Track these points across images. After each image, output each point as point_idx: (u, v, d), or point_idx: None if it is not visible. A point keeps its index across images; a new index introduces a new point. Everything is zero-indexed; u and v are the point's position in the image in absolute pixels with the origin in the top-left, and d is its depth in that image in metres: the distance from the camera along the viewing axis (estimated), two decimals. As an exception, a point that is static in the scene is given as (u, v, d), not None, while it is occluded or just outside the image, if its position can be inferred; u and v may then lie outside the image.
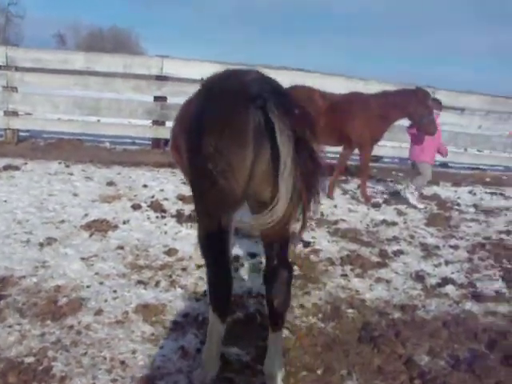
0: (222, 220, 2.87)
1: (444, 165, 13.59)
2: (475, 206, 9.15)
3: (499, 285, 5.55)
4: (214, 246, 2.98)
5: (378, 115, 7.98)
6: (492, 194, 10.47)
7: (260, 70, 2.97)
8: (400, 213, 7.94)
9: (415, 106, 7.84)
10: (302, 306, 4.46)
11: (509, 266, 6.16)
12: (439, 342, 4.13)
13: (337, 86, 11.26)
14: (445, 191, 10.14)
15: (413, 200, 8.43)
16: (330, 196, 8.25)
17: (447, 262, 5.98)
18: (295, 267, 5.21)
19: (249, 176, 2.65)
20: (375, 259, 5.79)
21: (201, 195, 2.96)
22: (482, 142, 13.39)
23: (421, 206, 8.48)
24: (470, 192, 10.41)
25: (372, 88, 11.37)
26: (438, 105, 8.53)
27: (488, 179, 12.65)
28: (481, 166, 14.04)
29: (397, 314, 4.51)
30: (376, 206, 8.13)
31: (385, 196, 9.04)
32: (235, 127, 2.63)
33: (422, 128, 7.98)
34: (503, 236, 7.45)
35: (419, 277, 5.43)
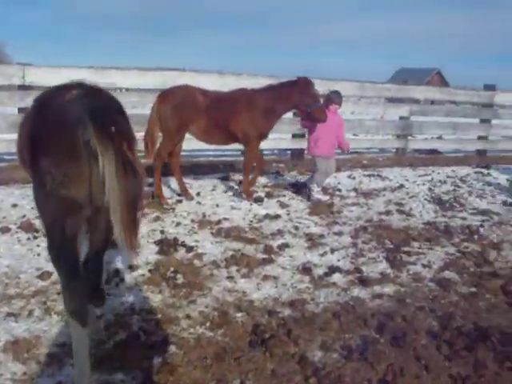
0: (68, 228, 2.96)
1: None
2: (355, 189, 9.35)
3: (383, 266, 5.64)
4: (62, 253, 3.05)
5: (264, 110, 7.73)
6: (370, 176, 10.77)
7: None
8: (283, 205, 7.91)
9: (299, 96, 7.69)
10: (188, 317, 4.24)
11: (391, 246, 6.30)
12: (331, 334, 4.09)
13: (211, 84, 11.13)
14: (325, 178, 10.28)
15: (317, 195, 8.29)
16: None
17: (333, 250, 6.01)
18: (179, 275, 5.00)
19: (88, 185, 2.87)
20: (261, 256, 5.68)
21: (44, 204, 3.06)
22: (357, 127, 13.72)
23: (325, 198, 8.38)
24: (349, 176, 10.63)
25: (244, 82, 11.26)
26: (338, 97, 8.43)
27: (365, 162, 13.07)
28: (358, 150, 14.43)
29: (287, 312, 4.42)
30: (258, 200, 8.04)
31: (267, 189, 8.96)
32: (66, 145, 2.80)
33: (312, 117, 7.87)
34: (383, 217, 7.64)
35: (306, 269, 5.39)
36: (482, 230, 7.26)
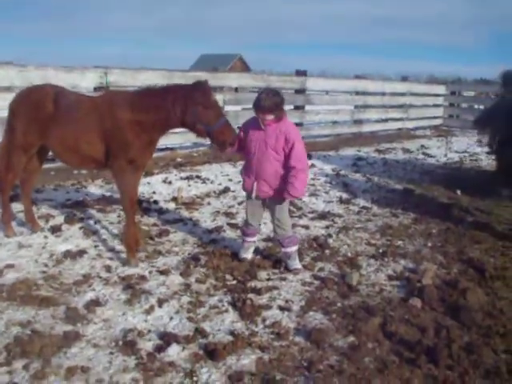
0: None
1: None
2: (175, 199, 7.83)
3: (231, 318, 4.28)
4: None
5: (131, 125, 5.12)
6: (189, 178, 9.30)
7: None
8: (88, 232, 6.10)
9: (192, 109, 4.92)
10: None
11: (233, 283, 4.95)
12: None
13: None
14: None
15: (293, 264, 5.35)
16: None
17: (161, 301, 4.45)
18: None
19: None
20: (61, 329, 3.91)
21: None
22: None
23: (299, 266, 5.37)
24: (164, 181, 9.04)
25: (31, 75, 9.28)
26: (268, 97, 4.97)
27: (180, 159, 11.58)
28: (170, 146, 12.87)
29: None
30: (56, 229, 6.16)
31: (66, 210, 7.01)
32: None
33: (214, 141, 5.10)
34: (214, 236, 6.26)
35: (129, 344, 3.76)
36: (330, 240, 6.22)
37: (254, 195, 5.24)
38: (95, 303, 4.36)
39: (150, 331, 3.98)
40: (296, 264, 5.32)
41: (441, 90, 21.55)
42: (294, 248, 5.35)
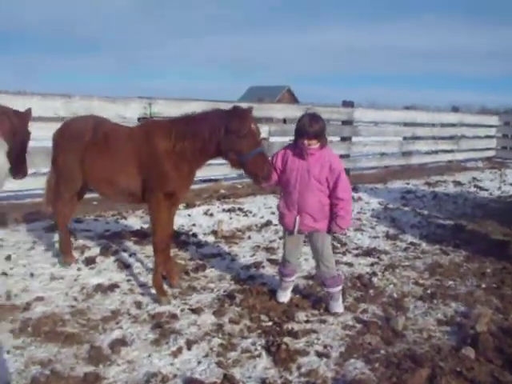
0: None
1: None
2: (214, 232, 7.60)
3: (264, 363, 4.01)
4: None
5: (169, 153, 4.85)
6: (230, 211, 9.08)
7: None
8: (122, 266, 5.92)
9: (225, 136, 4.61)
10: None
11: (269, 324, 4.63)
12: None
13: (30, 107, 8.97)
14: (177, 217, 8.40)
15: (338, 308, 4.97)
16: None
17: (190, 343, 4.17)
18: None
19: None
20: (82, 371, 3.68)
21: None
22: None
23: (341, 309, 4.97)
24: (206, 213, 8.85)
25: (76, 105, 9.29)
26: (311, 123, 4.57)
27: (223, 191, 11.39)
28: (214, 177, 12.72)
29: None
30: (90, 261, 6.00)
31: (103, 241, 6.86)
32: None
33: (247, 173, 4.81)
34: (253, 272, 5.97)
35: (151, 390, 3.51)
36: (375, 279, 5.84)
37: (296, 230, 4.90)
38: (121, 342, 4.12)
39: (175, 376, 3.70)
40: (338, 306, 4.95)
41: (493, 120, 20.90)
42: (338, 288, 4.98)
